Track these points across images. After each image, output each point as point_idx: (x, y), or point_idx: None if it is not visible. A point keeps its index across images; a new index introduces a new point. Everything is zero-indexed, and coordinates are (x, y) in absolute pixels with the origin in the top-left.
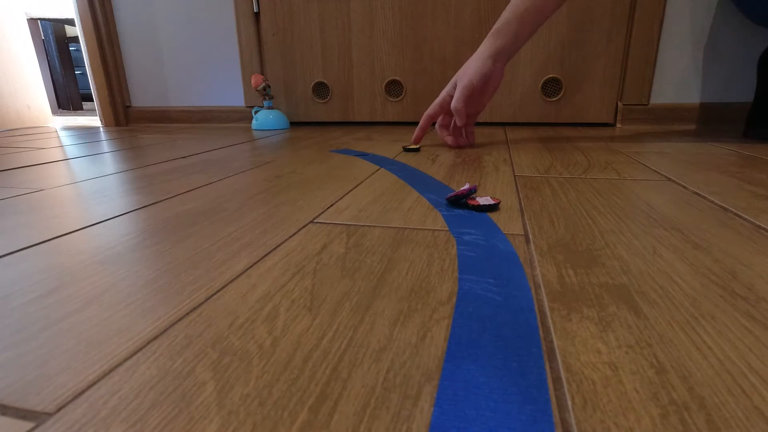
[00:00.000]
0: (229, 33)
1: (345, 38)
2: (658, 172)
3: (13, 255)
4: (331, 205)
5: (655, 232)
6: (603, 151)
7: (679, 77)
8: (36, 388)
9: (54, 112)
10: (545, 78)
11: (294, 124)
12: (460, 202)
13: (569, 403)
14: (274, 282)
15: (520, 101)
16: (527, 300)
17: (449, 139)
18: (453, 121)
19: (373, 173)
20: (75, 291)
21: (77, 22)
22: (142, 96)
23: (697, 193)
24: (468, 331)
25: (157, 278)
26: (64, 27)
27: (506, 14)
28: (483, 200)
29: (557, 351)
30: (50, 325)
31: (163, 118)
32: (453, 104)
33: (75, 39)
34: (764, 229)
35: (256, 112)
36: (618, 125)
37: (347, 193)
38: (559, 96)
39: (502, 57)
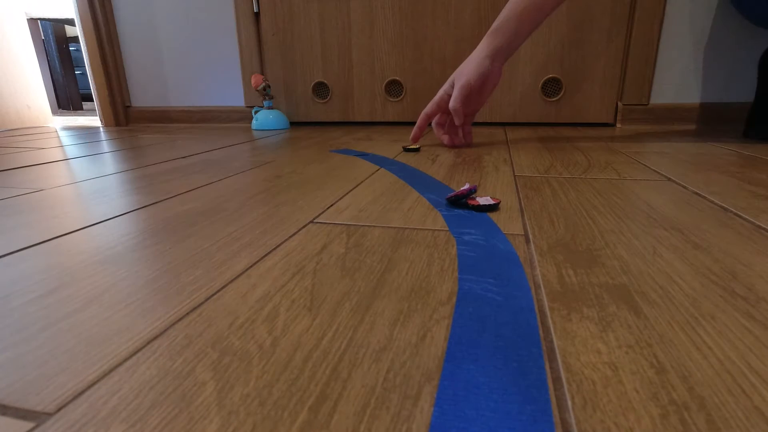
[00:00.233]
0: (229, 33)
1: (345, 38)
2: (658, 172)
3: (13, 255)
4: (331, 205)
5: (655, 232)
6: (603, 151)
7: (679, 77)
8: (36, 388)
9: (54, 112)
10: (545, 78)
11: (294, 124)
12: (460, 202)
13: (569, 403)
14: (274, 282)
15: (520, 101)
16: (527, 300)
17: (445, 138)
18: (450, 120)
19: (373, 173)
20: (75, 291)
21: (77, 22)
22: (142, 96)
23: (697, 193)
24: (468, 331)
25: (157, 278)
26: (64, 27)
27: (505, 12)
28: (483, 200)
29: (557, 351)
30: (50, 325)
31: (163, 118)
32: (451, 104)
33: (75, 39)
34: (764, 229)
35: (256, 112)
36: (618, 125)
37: (347, 193)
38: (559, 96)
39: (500, 56)
